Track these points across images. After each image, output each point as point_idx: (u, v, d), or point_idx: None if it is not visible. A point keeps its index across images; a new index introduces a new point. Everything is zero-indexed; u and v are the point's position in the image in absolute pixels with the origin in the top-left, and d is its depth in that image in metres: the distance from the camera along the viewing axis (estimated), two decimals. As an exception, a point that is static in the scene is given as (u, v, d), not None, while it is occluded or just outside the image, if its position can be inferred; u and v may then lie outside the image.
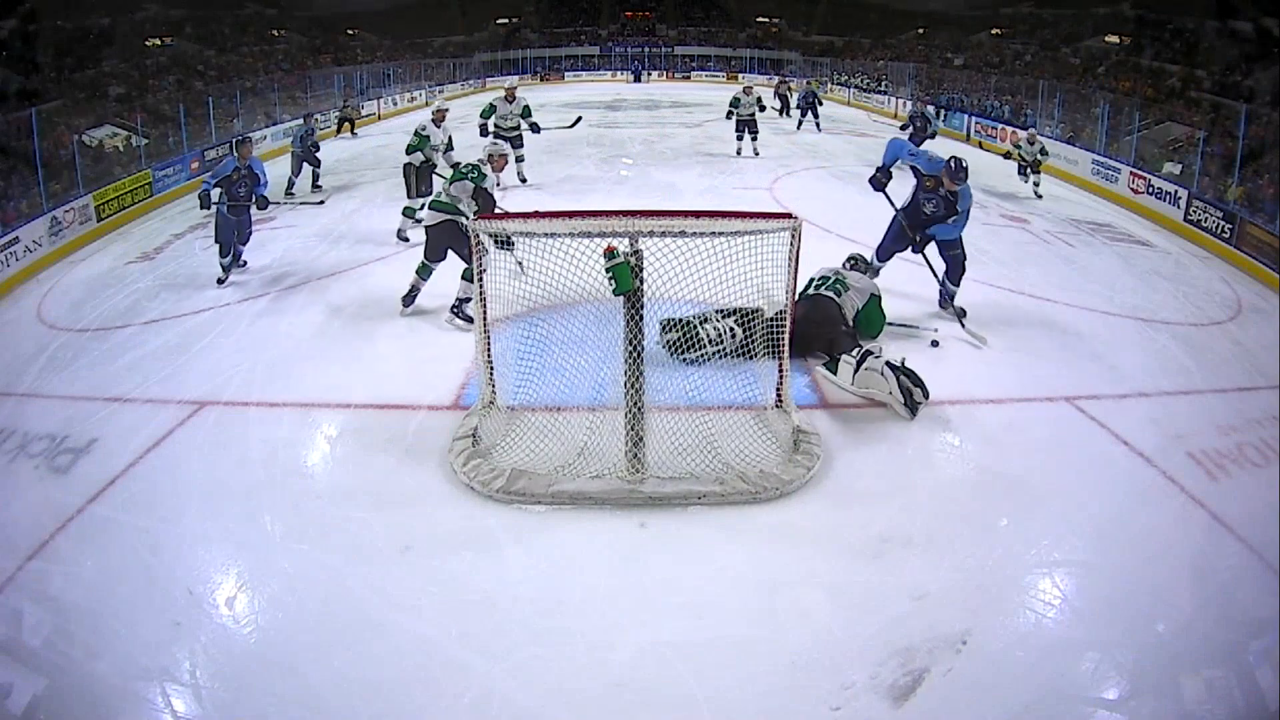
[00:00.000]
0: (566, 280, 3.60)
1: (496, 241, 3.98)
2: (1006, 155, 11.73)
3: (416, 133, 7.39)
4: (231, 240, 6.47)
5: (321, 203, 8.60)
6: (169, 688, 2.62)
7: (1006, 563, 3.21)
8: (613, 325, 3.59)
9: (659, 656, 2.71)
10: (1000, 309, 5.81)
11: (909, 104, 16.41)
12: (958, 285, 5.59)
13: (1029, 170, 10.50)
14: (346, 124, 16.04)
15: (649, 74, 31.59)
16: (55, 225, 8.14)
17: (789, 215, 3.77)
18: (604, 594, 3.01)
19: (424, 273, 5.55)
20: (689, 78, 31.33)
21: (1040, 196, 10.28)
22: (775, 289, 3.96)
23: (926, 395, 4.33)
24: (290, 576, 3.11)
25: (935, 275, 5.63)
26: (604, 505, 3.48)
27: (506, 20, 34.48)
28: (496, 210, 5.35)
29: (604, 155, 12.60)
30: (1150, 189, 10.07)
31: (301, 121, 11.02)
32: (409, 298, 5.64)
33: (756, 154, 12.17)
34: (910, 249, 5.66)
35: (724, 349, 4.65)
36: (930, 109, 12.88)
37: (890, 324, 5.34)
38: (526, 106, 9.61)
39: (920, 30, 26.95)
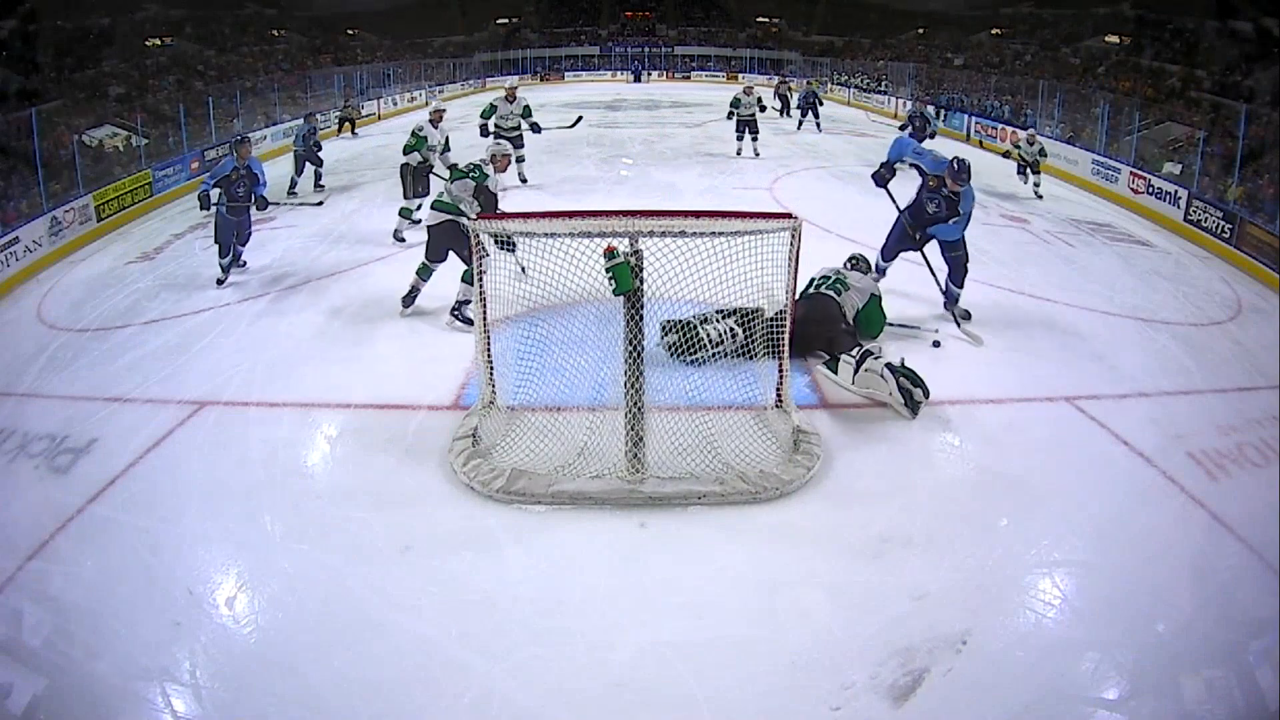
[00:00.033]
0: (567, 280, 3.60)
1: (498, 242, 3.98)
2: (1005, 154, 11.73)
3: (414, 133, 7.39)
4: (230, 241, 6.46)
5: (320, 204, 8.60)
6: (169, 688, 2.62)
7: (1006, 563, 3.21)
8: (613, 325, 3.59)
9: (659, 656, 2.71)
10: (1000, 309, 5.82)
11: (909, 104, 16.41)
12: (961, 287, 5.57)
13: (1028, 170, 10.50)
14: (347, 124, 16.05)
15: (649, 74, 31.58)
16: (55, 225, 8.14)
17: (789, 215, 3.77)
18: (604, 594, 3.01)
19: (424, 273, 5.55)
20: (689, 78, 31.32)
21: (1040, 197, 10.28)
22: (776, 289, 3.96)
23: (927, 394, 4.33)
24: (290, 576, 3.11)
25: (934, 276, 5.63)
26: (604, 505, 3.48)
27: (506, 20, 34.48)
28: (498, 211, 5.33)
29: (604, 155, 12.60)
30: (1150, 189, 10.07)
31: (303, 121, 11.00)
32: (409, 298, 5.64)
33: (757, 154, 12.17)
34: (911, 247, 5.67)
35: (725, 350, 4.65)
36: (930, 109, 12.89)
37: (891, 324, 5.34)
38: (527, 106, 9.61)
39: (920, 30, 26.94)
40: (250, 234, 6.71)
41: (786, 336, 4.03)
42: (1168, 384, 4.81)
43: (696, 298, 3.76)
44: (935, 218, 5.46)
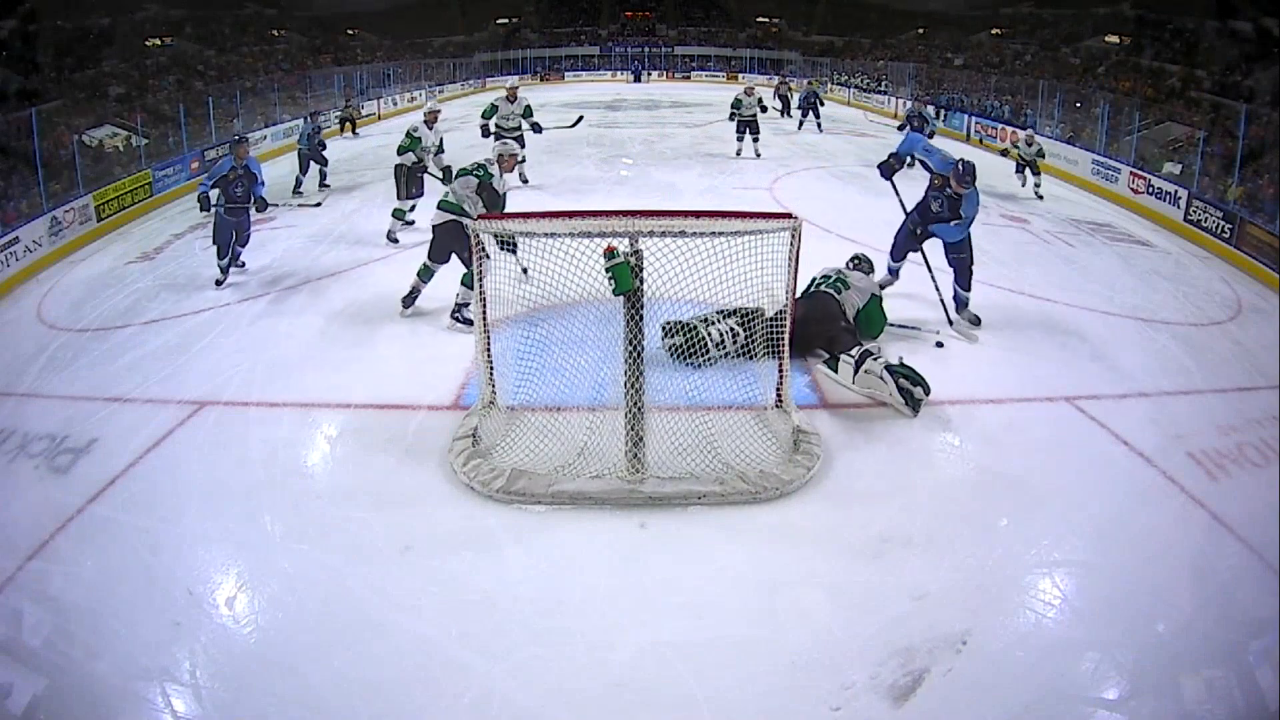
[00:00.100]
0: (567, 280, 3.60)
1: (500, 242, 3.98)
2: (1004, 153, 11.74)
3: (408, 133, 7.36)
4: (229, 241, 6.44)
5: (319, 204, 8.60)
6: (169, 688, 2.62)
7: (1006, 563, 3.21)
8: (613, 325, 3.59)
9: (659, 656, 2.71)
10: (1000, 309, 5.81)
11: (908, 104, 16.40)
12: (967, 290, 5.54)
13: (1027, 169, 10.50)
14: (347, 124, 16.05)
15: (649, 74, 31.59)
16: (55, 225, 8.14)
17: (789, 215, 3.77)
18: (604, 594, 3.01)
19: (425, 274, 5.54)
20: (689, 78, 31.33)
21: (1041, 198, 10.28)
22: (776, 289, 3.96)
23: (927, 391, 4.33)
24: (290, 576, 3.11)
25: (932, 276, 5.62)
26: (604, 505, 3.48)
27: (506, 20, 34.49)
28: (505, 210, 5.27)
29: (604, 155, 12.60)
30: (1150, 189, 10.07)
31: (308, 120, 10.98)
32: (409, 299, 5.63)
33: (758, 155, 12.16)
34: (915, 246, 5.68)
35: (728, 352, 4.64)
36: (930, 109, 12.89)
37: (892, 325, 5.34)
38: (528, 106, 9.60)
39: (920, 30, 26.95)
40: (250, 235, 6.69)
41: (787, 336, 4.03)
42: (1168, 384, 4.81)
43: (697, 298, 3.76)
44: (938, 217, 5.47)
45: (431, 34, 30.50)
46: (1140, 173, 10.46)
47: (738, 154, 12.17)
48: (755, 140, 12.21)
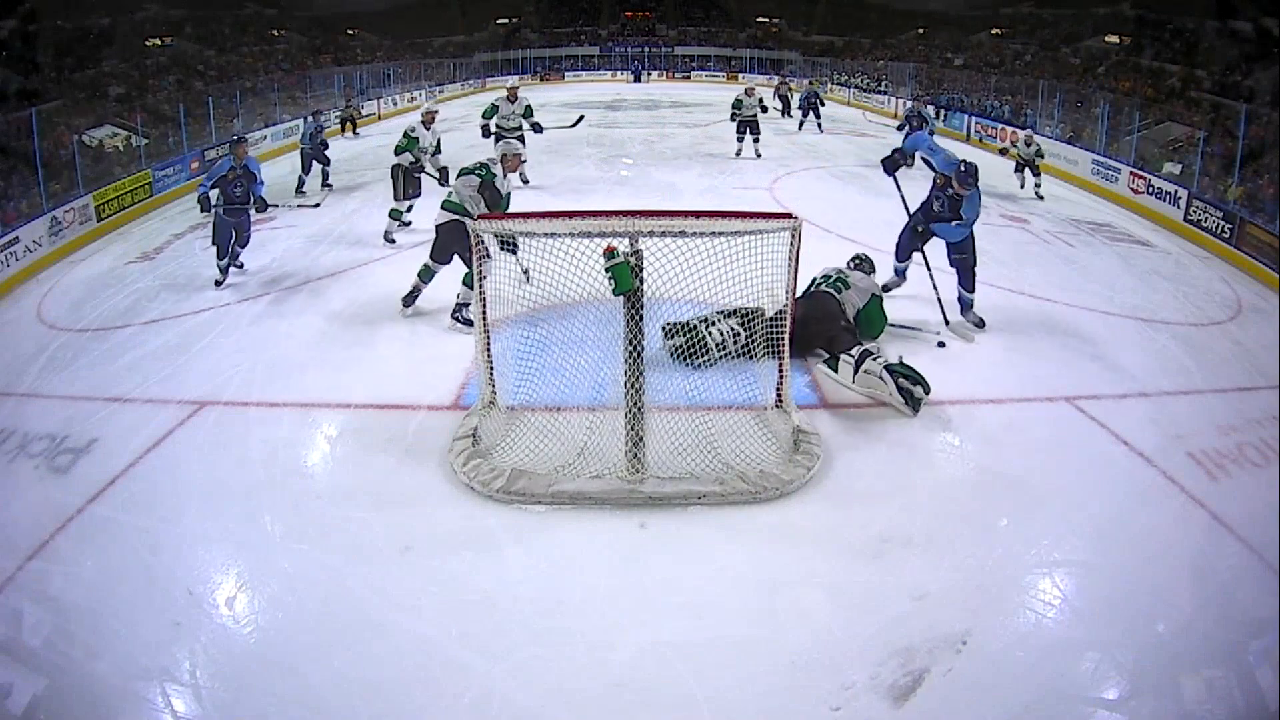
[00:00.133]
0: (567, 280, 3.60)
1: (500, 243, 3.98)
2: (1002, 152, 11.74)
3: (406, 134, 7.33)
4: (228, 241, 6.43)
5: (317, 205, 8.60)
6: (169, 688, 2.62)
7: (1006, 563, 3.21)
8: (613, 325, 3.60)
9: (659, 656, 2.71)
10: (1000, 309, 5.81)
11: (908, 103, 16.41)
12: (971, 291, 5.53)
13: (1026, 169, 10.50)
14: (348, 124, 16.06)
15: (649, 74, 31.59)
16: (55, 225, 8.14)
17: (789, 215, 3.77)
18: (604, 594, 3.01)
19: (426, 275, 5.52)
20: (689, 78, 31.33)
21: (1041, 198, 10.28)
22: (776, 289, 3.96)
23: (927, 390, 4.33)
24: (290, 576, 3.11)
25: (931, 277, 5.62)
26: (604, 505, 3.48)
27: (506, 20, 34.50)
28: (508, 210, 5.25)
29: (604, 155, 12.60)
30: (1150, 189, 10.07)
31: (310, 119, 10.97)
32: (410, 297, 5.62)
33: (758, 155, 12.16)
34: (918, 245, 5.69)
35: (729, 352, 4.63)
36: (930, 109, 12.89)
37: (893, 325, 5.34)
38: (529, 106, 9.58)
39: (920, 30, 26.96)
40: (250, 235, 6.68)
41: (787, 336, 4.03)
42: (1168, 384, 4.81)
43: (697, 298, 3.76)
44: (939, 216, 5.48)
45: (431, 34, 30.51)
46: (1140, 173, 10.46)
47: (737, 154, 12.17)
48: (756, 140, 12.21)
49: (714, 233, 3.53)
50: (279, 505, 3.55)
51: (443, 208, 5.36)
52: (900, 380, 4.31)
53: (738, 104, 12.03)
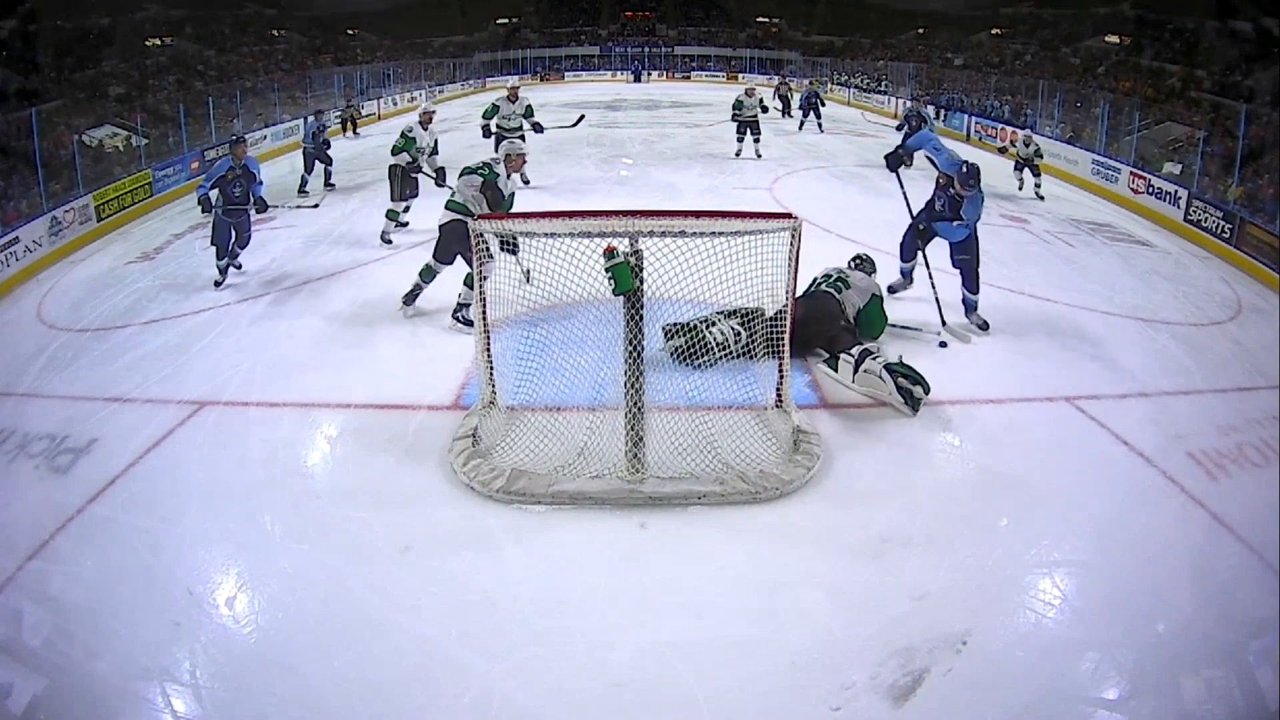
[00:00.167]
0: (567, 280, 3.60)
1: (501, 243, 3.97)
2: (1001, 150, 11.75)
3: (403, 134, 7.32)
4: (227, 242, 6.43)
5: (316, 205, 8.60)
6: (169, 688, 2.62)
7: (1006, 563, 3.21)
8: (613, 325, 3.59)
9: (659, 656, 2.70)
10: (1000, 309, 5.81)
11: (907, 103, 16.40)
12: (975, 293, 5.52)
13: (1025, 169, 10.50)
14: (349, 124, 16.06)
15: (649, 74, 31.60)
16: (55, 225, 8.14)
17: (789, 215, 3.77)
18: (604, 594, 3.01)
19: (427, 275, 5.51)
20: (689, 78, 31.34)
21: (1042, 198, 10.28)
22: (776, 289, 3.96)
23: (927, 390, 4.33)
24: (290, 576, 3.11)
25: (930, 277, 5.62)
26: (604, 505, 3.48)
27: (506, 20, 34.51)
28: (510, 211, 5.22)
29: (604, 155, 12.61)
30: (1150, 189, 10.07)
31: (313, 118, 10.95)
32: (410, 296, 5.61)
33: (759, 155, 12.15)
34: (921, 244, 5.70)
35: (731, 353, 4.63)
36: (929, 109, 12.89)
37: (893, 326, 5.33)
38: (530, 106, 9.58)
39: (920, 30, 26.98)
40: (250, 236, 6.66)
41: (787, 336, 4.03)
42: (1168, 384, 4.81)
43: (697, 298, 3.76)
44: (940, 215, 5.49)
45: (431, 34, 30.52)
46: (1140, 173, 10.46)
47: (737, 154, 12.16)
48: (756, 140, 12.21)
49: (714, 233, 3.53)
50: (279, 505, 3.55)
51: (446, 207, 5.34)
52: (900, 380, 4.31)
53: (738, 105, 12.03)
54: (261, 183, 6.51)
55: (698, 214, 3.58)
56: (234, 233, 6.45)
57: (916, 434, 4.15)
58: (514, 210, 5.21)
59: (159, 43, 18.93)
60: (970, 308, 5.55)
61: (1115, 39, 18.57)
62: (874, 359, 4.45)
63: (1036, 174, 10.41)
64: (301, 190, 9.94)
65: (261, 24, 23.76)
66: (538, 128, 9.45)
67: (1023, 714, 2.52)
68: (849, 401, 4.45)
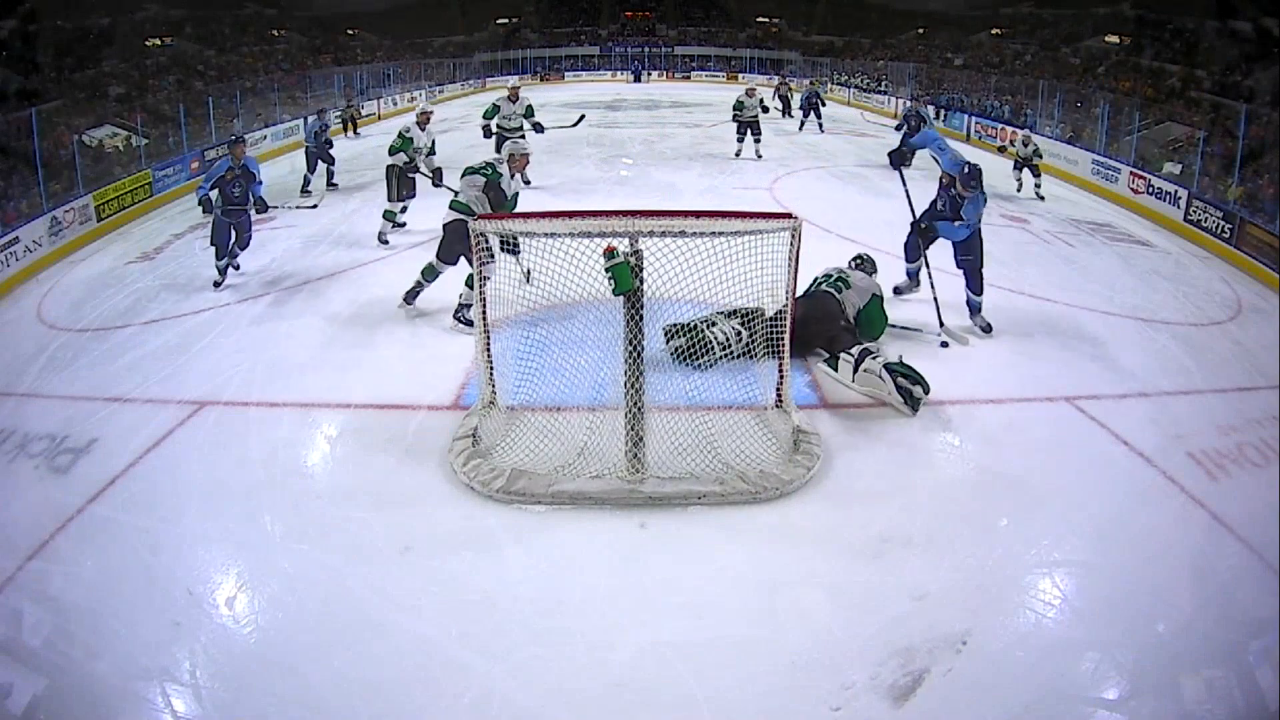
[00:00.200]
0: (567, 280, 3.60)
1: (501, 243, 3.97)
2: (1001, 150, 11.75)
3: (400, 134, 7.31)
4: (227, 242, 6.42)
5: (315, 205, 8.60)
6: (169, 688, 2.62)
7: (1006, 563, 3.21)
8: (613, 325, 3.59)
9: (659, 656, 2.70)
10: (1000, 309, 5.81)
11: (906, 103, 16.40)
12: (979, 294, 5.52)
13: (1025, 169, 10.50)
14: (349, 124, 16.06)
15: (649, 74, 31.60)
16: (55, 225, 8.14)
17: (789, 215, 3.77)
18: (604, 594, 3.01)
19: (430, 274, 5.50)
20: (689, 78, 31.34)
21: (1042, 198, 10.28)
22: (776, 289, 3.96)
23: (927, 390, 4.33)
24: (290, 576, 3.11)
25: (929, 277, 5.61)
26: (604, 505, 3.48)
27: (506, 20, 34.52)
28: (513, 211, 5.19)
29: (604, 155, 12.61)
30: (1150, 189, 10.07)
31: (315, 117, 10.94)
32: (411, 294, 5.61)
33: (759, 155, 12.15)
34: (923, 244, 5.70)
35: (732, 353, 4.63)
36: (929, 109, 12.88)
37: (894, 326, 5.33)
38: (530, 106, 9.57)
39: (920, 30, 26.99)
40: (250, 236, 6.65)
41: (787, 336, 4.03)
42: (1168, 384, 4.81)
43: (697, 298, 3.75)
44: (941, 214, 5.50)
45: (431, 34, 30.53)
46: (1140, 173, 10.46)
47: (737, 154, 12.16)
48: (757, 141, 12.20)
49: (714, 233, 3.53)
50: (279, 505, 3.55)
51: (451, 207, 5.33)
52: (899, 380, 4.31)
53: (739, 105, 12.02)
54: (261, 183, 6.51)
55: (698, 214, 3.58)
56: (234, 233, 6.45)
57: (916, 434, 4.15)
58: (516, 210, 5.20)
59: (159, 43, 18.94)
60: (974, 309, 5.54)
61: (1115, 39, 18.57)
62: (874, 359, 4.46)
63: (1036, 174, 10.40)
64: (304, 190, 9.94)
65: (261, 24, 23.76)
66: (538, 128, 9.44)
67: (1023, 714, 2.52)
68: (849, 401, 4.45)
